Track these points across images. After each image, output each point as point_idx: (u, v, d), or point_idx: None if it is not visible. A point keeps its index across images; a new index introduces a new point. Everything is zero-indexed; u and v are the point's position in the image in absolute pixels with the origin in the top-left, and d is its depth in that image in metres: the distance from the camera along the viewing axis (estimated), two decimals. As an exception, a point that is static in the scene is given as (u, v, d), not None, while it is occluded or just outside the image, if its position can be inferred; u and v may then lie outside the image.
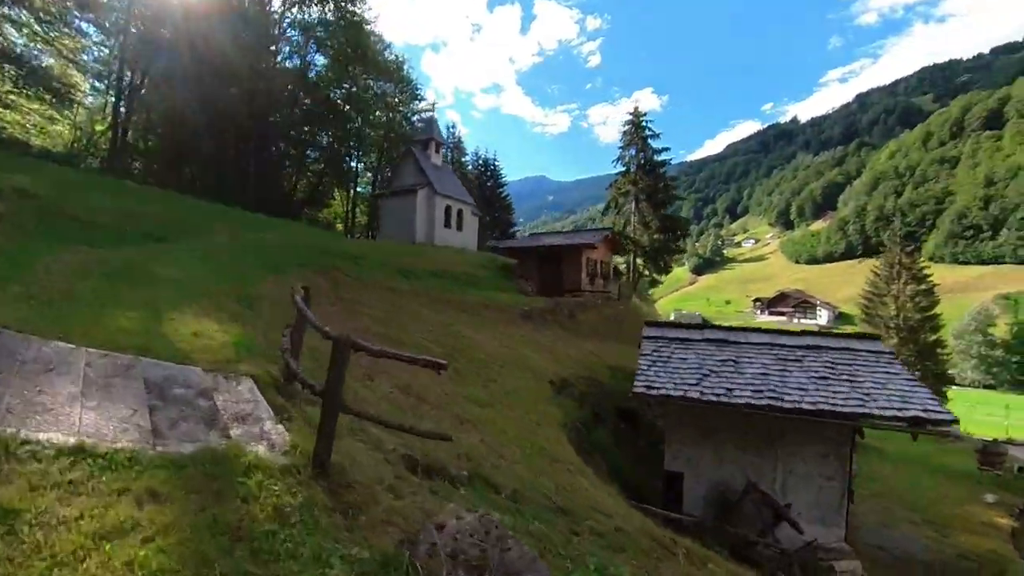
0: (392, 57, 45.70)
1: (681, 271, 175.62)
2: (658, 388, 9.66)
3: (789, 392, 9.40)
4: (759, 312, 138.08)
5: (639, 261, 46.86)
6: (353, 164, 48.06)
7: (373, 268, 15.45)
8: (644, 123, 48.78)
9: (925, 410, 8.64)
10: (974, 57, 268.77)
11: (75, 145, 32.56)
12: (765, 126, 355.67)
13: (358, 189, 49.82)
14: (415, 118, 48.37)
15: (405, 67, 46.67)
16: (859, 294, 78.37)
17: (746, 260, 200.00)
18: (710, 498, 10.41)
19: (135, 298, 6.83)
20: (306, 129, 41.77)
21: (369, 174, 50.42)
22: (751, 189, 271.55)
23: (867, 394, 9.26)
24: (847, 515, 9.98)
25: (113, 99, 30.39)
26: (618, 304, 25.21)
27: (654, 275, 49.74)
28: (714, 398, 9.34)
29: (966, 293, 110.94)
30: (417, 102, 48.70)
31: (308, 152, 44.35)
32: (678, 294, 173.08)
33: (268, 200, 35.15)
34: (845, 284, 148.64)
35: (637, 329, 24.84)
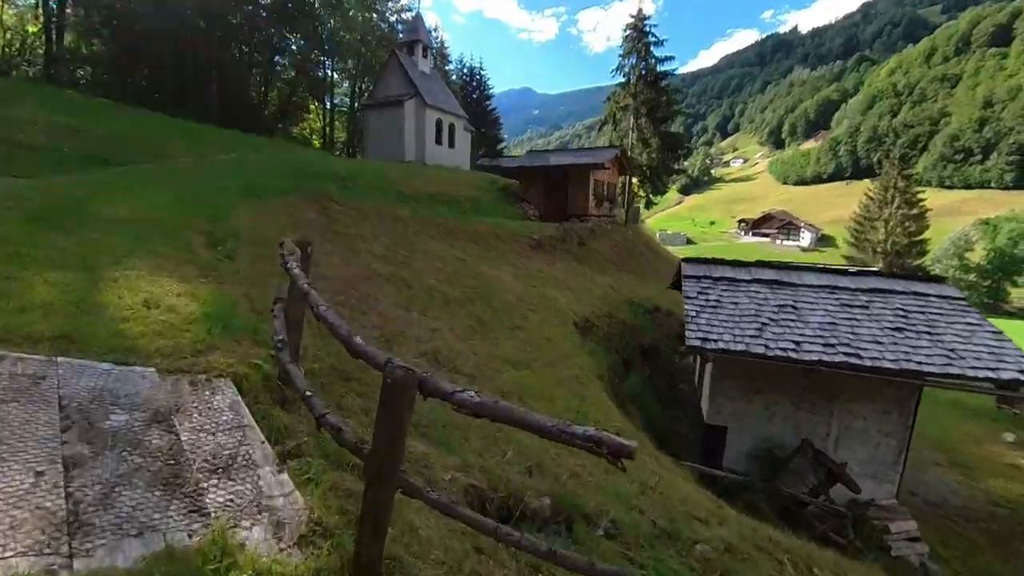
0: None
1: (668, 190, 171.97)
2: (715, 341, 8.33)
3: (864, 347, 8.17)
4: (743, 233, 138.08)
5: (635, 182, 44.54)
6: (328, 72, 43.17)
7: (368, 192, 13.35)
8: (647, 28, 44.30)
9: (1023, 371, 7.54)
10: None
11: (5, 51, 27.96)
12: (764, 36, 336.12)
13: (335, 101, 45.26)
14: (394, 18, 42.96)
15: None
16: (850, 216, 77.86)
17: (734, 180, 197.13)
18: (756, 455, 9.55)
19: (64, 251, 4.94)
20: (272, 31, 36.64)
21: (347, 83, 45.60)
22: (744, 106, 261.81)
23: (951, 350, 8.08)
24: (902, 472, 9.25)
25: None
26: (626, 230, 23.54)
27: (650, 196, 47.61)
28: (781, 353, 8.08)
29: (951, 217, 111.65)
30: (395, 0, 42.88)
31: (276, 58, 39.36)
32: (664, 214, 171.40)
33: (235, 113, 31.37)
34: (831, 206, 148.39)
35: (648, 258, 23.69)
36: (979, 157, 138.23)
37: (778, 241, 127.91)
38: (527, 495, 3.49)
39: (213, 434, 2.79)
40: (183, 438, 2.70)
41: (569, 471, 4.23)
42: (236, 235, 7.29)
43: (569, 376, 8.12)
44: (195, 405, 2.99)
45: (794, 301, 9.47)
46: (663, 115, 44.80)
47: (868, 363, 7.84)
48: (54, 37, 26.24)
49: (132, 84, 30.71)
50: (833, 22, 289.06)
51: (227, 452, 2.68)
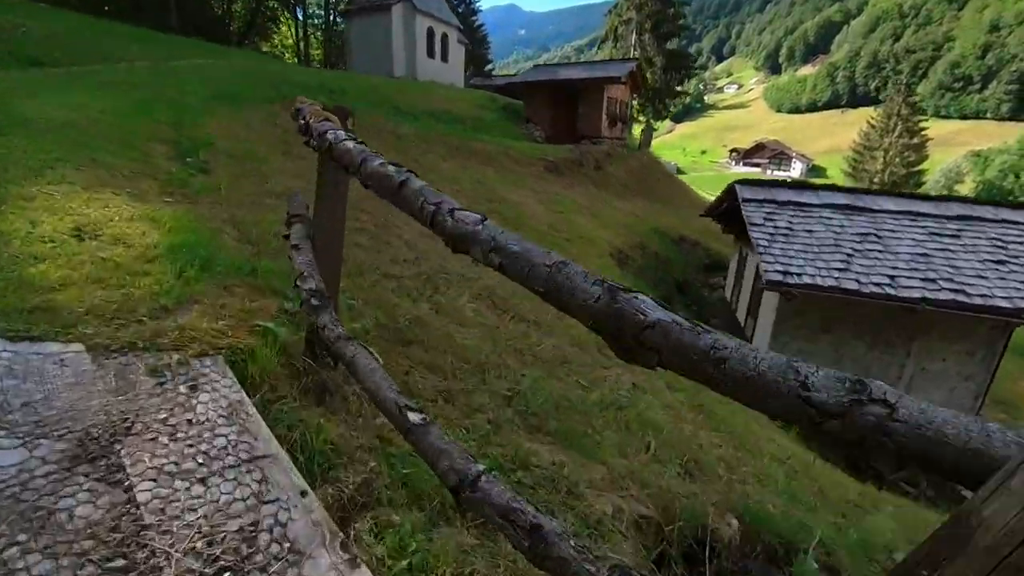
0: None
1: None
2: (797, 274, 7.05)
3: (969, 282, 6.97)
4: (734, 163, 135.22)
5: (635, 104, 41.72)
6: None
7: (361, 107, 11.27)
8: (654, -74, 39.87)
9: None
10: None
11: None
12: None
13: (308, 11, 40.38)
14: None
15: None
16: (848, 146, 75.93)
17: (727, 107, 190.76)
18: (815, 400, 8.62)
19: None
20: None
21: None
22: (741, 27, 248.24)
23: (1067, 284, 6.95)
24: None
25: None
26: (641, 155, 21.62)
27: (650, 120, 44.86)
28: (876, 289, 6.84)
29: (945, 147, 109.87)
30: None
31: None
32: (655, 143, 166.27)
33: (197, 25, 27.49)
34: (824, 135, 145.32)
35: (666, 184, 21.75)
36: (978, 86, 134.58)
37: (768, 171, 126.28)
38: (710, 517, 2.23)
39: (202, 482, 1.38)
40: (140, 499, 1.29)
41: (724, 462, 2.98)
42: (210, 145, 5.54)
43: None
44: (162, 417, 1.56)
45: (875, 229, 8.14)
46: (668, 31, 41.35)
47: (978, 301, 6.67)
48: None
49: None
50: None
51: (233, 528, 1.28)
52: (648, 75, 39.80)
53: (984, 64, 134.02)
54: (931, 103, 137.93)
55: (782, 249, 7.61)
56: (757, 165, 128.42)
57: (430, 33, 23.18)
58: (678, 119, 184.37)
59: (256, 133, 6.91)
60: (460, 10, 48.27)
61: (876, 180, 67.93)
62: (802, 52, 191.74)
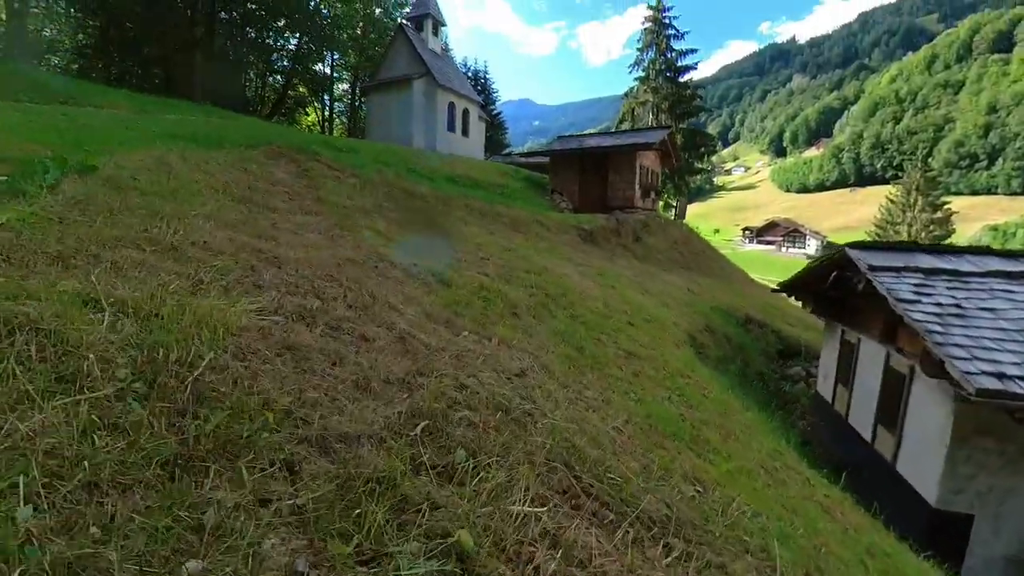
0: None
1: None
2: (1020, 377, 4.53)
3: None
4: (747, 241, 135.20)
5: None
6: (327, 70, 39.53)
7: (370, 164, 9.59)
8: (667, 20, 41.35)
9: None
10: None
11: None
12: (762, 46, 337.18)
13: (334, 95, 41.52)
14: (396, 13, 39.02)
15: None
16: (871, 220, 74.91)
17: (736, 188, 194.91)
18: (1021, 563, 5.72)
19: None
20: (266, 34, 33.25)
21: (347, 79, 41.80)
22: (744, 115, 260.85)
23: None
24: None
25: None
26: (679, 225, 19.74)
27: (668, 199, 44.05)
28: None
29: (960, 223, 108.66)
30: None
31: (273, 57, 35.78)
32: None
33: (229, 106, 27.82)
34: (835, 213, 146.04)
35: (710, 256, 19.40)
36: (984, 163, 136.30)
37: (783, 248, 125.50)
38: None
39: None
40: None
41: None
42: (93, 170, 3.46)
43: (758, 455, 4.27)
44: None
45: (1083, 306, 5.68)
46: (685, 110, 41.62)
47: None
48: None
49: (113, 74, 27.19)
50: (831, 32, 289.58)
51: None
52: (669, 152, 39.50)
53: (988, 143, 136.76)
54: (940, 181, 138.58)
55: (969, 337, 5.14)
56: (771, 243, 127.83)
57: (451, 107, 22.55)
58: (689, 199, 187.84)
59: (201, 175, 4.91)
60: (480, 98, 49.98)
61: (905, 255, 65.44)
62: (805, 136, 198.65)
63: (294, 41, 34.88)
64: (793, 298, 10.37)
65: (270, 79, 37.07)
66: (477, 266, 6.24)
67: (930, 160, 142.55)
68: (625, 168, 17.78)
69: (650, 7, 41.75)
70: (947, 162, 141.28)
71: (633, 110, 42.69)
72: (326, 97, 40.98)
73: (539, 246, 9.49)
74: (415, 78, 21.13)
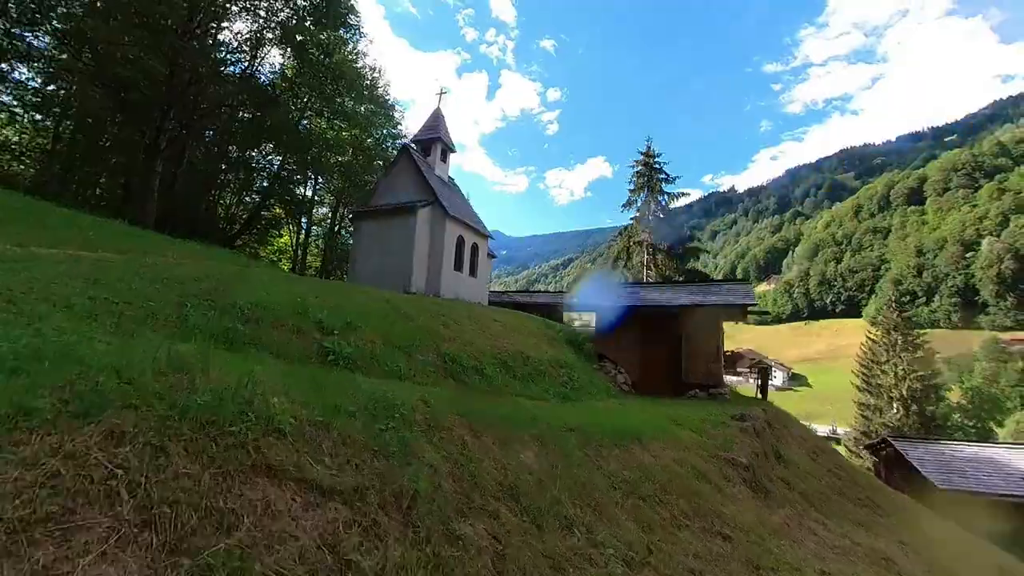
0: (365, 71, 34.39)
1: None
2: None
3: None
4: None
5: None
6: (308, 192, 37.00)
7: (387, 358, 5.21)
8: (657, 164, 42.13)
9: None
10: (884, 143, 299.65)
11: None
12: (706, 194, 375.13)
13: (312, 218, 38.39)
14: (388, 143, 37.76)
15: (381, 84, 35.78)
16: (855, 358, 74.26)
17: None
18: None
19: None
20: (248, 152, 30.93)
21: (328, 202, 39.19)
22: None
23: None
24: None
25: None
26: (778, 412, 14.58)
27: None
28: None
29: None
30: (393, 127, 37.98)
31: (253, 176, 33.03)
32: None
33: (184, 221, 23.74)
34: (793, 346, 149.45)
35: (850, 471, 12.16)
36: (923, 299, 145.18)
37: (750, 380, 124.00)
38: None
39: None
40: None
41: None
42: None
43: None
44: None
45: None
46: (682, 251, 40.68)
47: None
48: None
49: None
50: (766, 183, 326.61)
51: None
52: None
53: (923, 281, 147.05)
54: (888, 315, 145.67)
55: None
56: (739, 374, 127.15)
57: (460, 242, 19.17)
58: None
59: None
60: (490, 232, 48.03)
61: (894, 395, 63.72)
62: (755, 272, 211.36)
63: (277, 160, 32.43)
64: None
65: (246, 198, 33.82)
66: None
67: (874, 297, 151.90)
68: (707, 334, 13.81)
69: (641, 152, 42.84)
70: (890, 299, 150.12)
71: (627, 249, 41.53)
72: (304, 220, 37.88)
73: (678, 521, 4.91)
74: (420, 206, 17.91)
